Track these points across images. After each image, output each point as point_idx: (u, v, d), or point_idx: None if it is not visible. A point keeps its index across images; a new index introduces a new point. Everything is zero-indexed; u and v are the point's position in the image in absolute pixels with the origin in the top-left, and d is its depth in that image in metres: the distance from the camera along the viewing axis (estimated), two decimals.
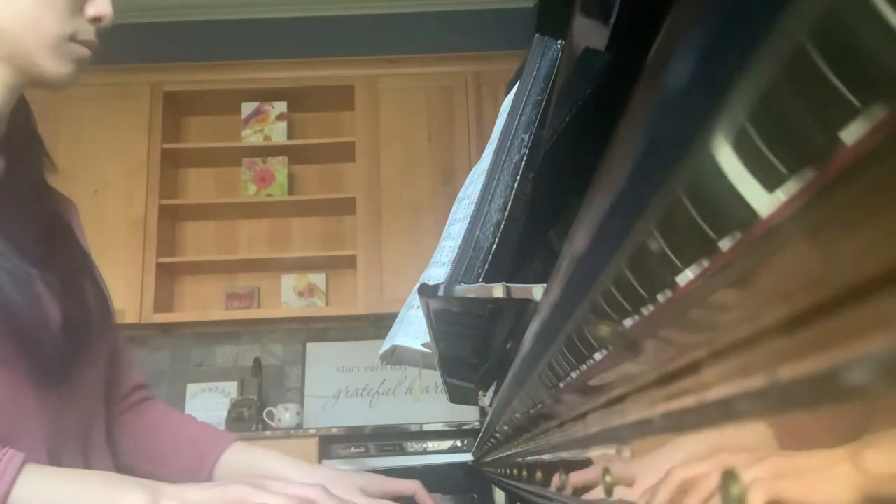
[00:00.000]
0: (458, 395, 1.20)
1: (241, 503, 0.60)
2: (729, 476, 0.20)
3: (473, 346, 0.79)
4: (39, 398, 0.74)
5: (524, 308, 0.54)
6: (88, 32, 0.81)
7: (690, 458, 0.23)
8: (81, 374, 0.81)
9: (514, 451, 0.81)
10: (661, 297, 0.23)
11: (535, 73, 0.62)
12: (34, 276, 0.74)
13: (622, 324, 0.27)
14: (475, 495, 1.64)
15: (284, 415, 3.02)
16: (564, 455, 0.48)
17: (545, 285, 0.42)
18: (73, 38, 0.79)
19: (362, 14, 3.62)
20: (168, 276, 3.28)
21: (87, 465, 0.79)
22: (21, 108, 0.86)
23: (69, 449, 0.76)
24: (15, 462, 0.60)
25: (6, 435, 0.65)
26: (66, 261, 0.84)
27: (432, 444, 2.84)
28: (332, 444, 2.80)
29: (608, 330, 0.28)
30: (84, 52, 0.80)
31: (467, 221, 0.64)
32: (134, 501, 0.60)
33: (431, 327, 0.70)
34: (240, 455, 0.92)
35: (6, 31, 0.76)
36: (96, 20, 0.81)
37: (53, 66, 0.78)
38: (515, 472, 0.83)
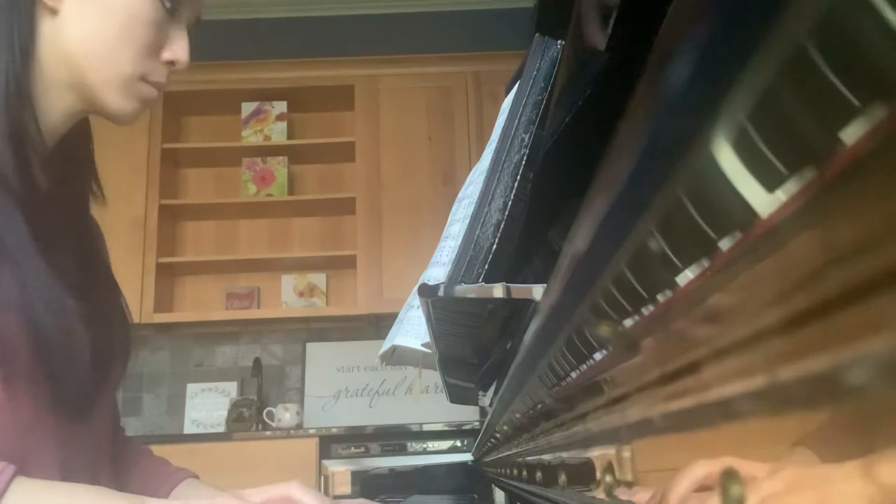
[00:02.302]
0: (458, 395, 1.20)
1: None
2: (729, 476, 0.20)
3: (473, 346, 0.79)
4: (57, 427, 0.73)
5: (524, 308, 0.54)
6: (160, 74, 0.80)
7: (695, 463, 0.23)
8: (97, 408, 0.81)
9: (514, 451, 0.81)
10: (661, 297, 0.23)
11: (535, 73, 0.62)
12: (71, 309, 0.73)
13: (622, 324, 0.27)
14: (475, 495, 1.64)
15: (284, 415, 3.01)
16: (564, 455, 0.48)
17: (545, 285, 0.42)
18: (143, 78, 0.78)
19: (362, 14, 3.62)
20: (168, 276, 3.28)
21: None
22: (80, 132, 0.85)
23: (79, 481, 0.76)
24: (5, 475, 0.60)
25: (21, 460, 0.65)
26: (102, 293, 0.83)
27: (432, 444, 2.84)
28: (332, 444, 2.80)
29: (608, 330, 0.28)
30: (152, 92, 0.80)
31: (467, 221, 0.64)
32: None
33: (431, 327, 0.70)
34: (186, 492, 0.89)
35: (79, 60, 0.75)
36: (170, 64, 0.80)
37: (118, 102, 0.77)
38: (515, 472, 0.83)
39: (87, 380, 0.75)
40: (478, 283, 0.57)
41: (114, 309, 0.86)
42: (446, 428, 2.85)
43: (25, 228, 0.70)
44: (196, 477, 0.93)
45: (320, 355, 3.33)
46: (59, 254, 0.75)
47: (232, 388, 3.25)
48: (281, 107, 3.42)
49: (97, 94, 0.77)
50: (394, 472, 2.13)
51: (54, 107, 0.78)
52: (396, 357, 0.93)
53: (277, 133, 3.40)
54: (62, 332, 0.71)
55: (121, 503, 0.61)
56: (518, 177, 0.59)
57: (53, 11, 0.75)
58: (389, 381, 3.28)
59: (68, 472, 0.74)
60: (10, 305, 0.68)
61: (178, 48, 0.80)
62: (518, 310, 0.58)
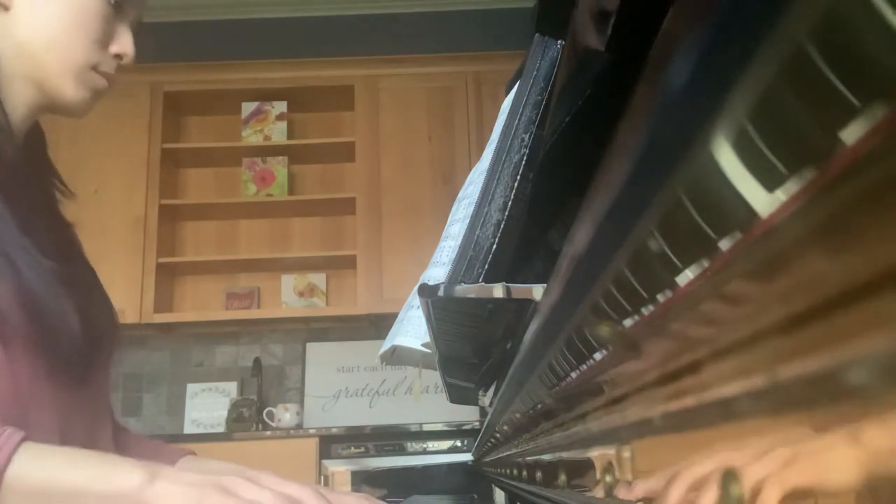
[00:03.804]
0: (458, 395, 1.20)
1: (232, 492, 0.60)
2: (729, 476, 0.20)
3: (473, 346, 0.79)
4: (54, 391, 0.75)
5: (524, 308, 0.54)
6: (110, 66, 0.86)
7: (694, 457, 0.23)
8: (93, 377, 0.83)
9: (514, 451, 0.81)
10: (661, 297, 0.23)
11: (535, 73, 0.62)
12: (54, 273, 0.76)
13: (622, 324, 0.27)
14: (475, 495, 1.64)
15: (284, 415, 3.01)
16: (564, 455, 0.48)
17: (545, 285, 0.42)
18: (94, 68, 0.84)
19: (362, 14, 3.62)
20: (168, 276, 3.28)
21: None
22: (36, 133, 0.90)
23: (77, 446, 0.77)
24: (13, 439, 0.60)
25: (20, 424, 0.65)
26: (80, 270, 0.88)
27: (432, 444, 2.84)
28: (332, 444, 2.80)
29: (608, 330, 0.28)
30: (102, 82, 0.85)
31: (467, 221, 0.64)
32: (129, 479, 0.59)
33: (431, 327, 0.70)
34: (189, 465, 0.92)
35: (36, 52, 0.81)
36: (118, 57, 0.86)
37: (72, 91, 0.83)
38: (515, 472, 0.83)
39: (80, 343, 0.78)
40: (478, 283, 0.57)
41: (94, 284, 0.90)
42: (446, 428, 2.85)
43: (3, 206, 0.74)
44: (194, 454, 0.95)
45: (320, 355, 3.33)
46: (38, 233, 0.79)
47: (232, 388, 3.25)
48: (281, 107, 3.42)
49: (53, 83, 0.82)
50: (394, 472, 2.13)
51: (16, 100, 0.83)
52: (396, 357, 0.93)
53: (277, 133, 3.40)
54: (51, 293, 0.74)
55: (129, 467, 0.61)
56: (518, 177, 0.59)
57: (5, 7, 0.80)
58: (389, 381, 3.28)
59: (66, 442, 0.75)
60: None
61: (124, 42, 0.86)
62: (518, 310, 0.58)
